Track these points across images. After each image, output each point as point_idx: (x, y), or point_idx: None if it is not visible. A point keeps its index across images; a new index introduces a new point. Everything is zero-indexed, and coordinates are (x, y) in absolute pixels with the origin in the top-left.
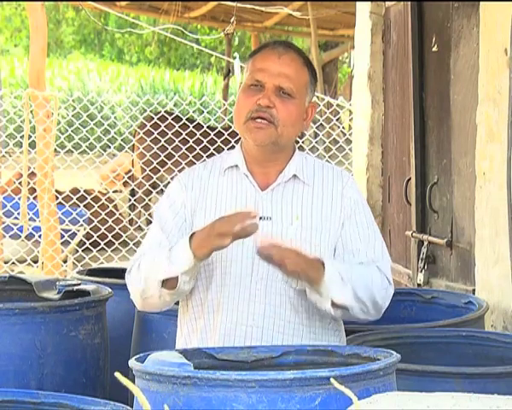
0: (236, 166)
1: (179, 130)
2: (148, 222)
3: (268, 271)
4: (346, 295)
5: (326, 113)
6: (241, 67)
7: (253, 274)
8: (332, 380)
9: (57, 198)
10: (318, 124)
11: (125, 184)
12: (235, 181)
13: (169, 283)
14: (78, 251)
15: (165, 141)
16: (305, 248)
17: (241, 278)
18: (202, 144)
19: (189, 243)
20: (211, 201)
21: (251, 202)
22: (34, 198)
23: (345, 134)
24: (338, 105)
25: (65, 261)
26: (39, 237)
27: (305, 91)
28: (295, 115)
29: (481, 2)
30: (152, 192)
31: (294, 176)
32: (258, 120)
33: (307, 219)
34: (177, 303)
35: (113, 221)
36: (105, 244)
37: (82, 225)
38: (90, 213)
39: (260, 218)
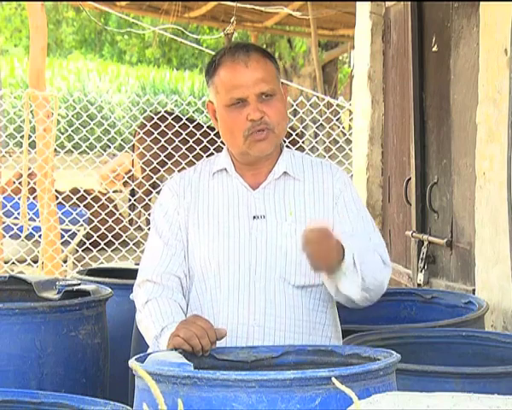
0: (225, 169)
1: (179, 130)
2: (148, 222)
3: (266, 269)
4: (354, 289)
5: (326, 113)
6: None
7: (251, 273)
8: (333, 379)
9: (57, 198)
10: (318, 124)
11: (125, 184)
12: (225, 183)
13: None
14: (78, 251)
15: (165, 141)
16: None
17: (239, 278)
18: (202, 144)
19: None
20: (203, 204)
21: (243, 202)
22: (34, 198)
23: (345, 134)
24: (338, 105)
25: (65, 261)
26: (39, 237)
27: (277, 81)
28: (282, 109)
29: (481, 2)
30: (152, 192)
31: (285, 173)
32: (259, 133)
33: (301, 214)
34: None
35: (113, 221)
36: (105, 244)
37: (82, 225)
38: (90, 213)
39: (254, 217)
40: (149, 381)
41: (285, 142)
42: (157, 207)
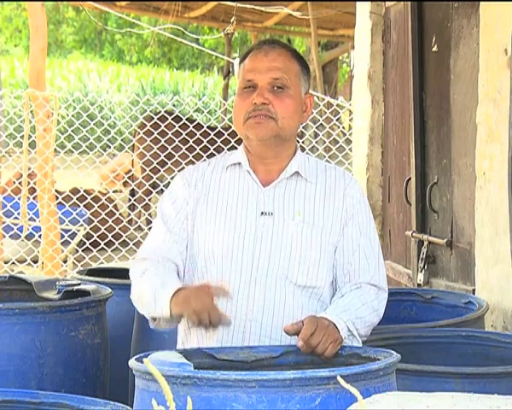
0: (239, 163)
1: (179, 130)
2: (148, 222)
3: (268, 266)
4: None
5: (326, 113)
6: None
7: (253, 269)
8: (339, 378)
9: (57, 198)
10: (318, 124)
11: (125, 184)
12: (237, 177)
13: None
14: (78, 251)
15: (165, 141)
16: (306, 244)
17: (240, 273)
18: (202, 144)
19: (172, 296)
20: (213, 195)
21: (253, 197)
22: (34, 198)
23: (345, 134)
24: (338, 105)
25: (65, 261)
26: (39, 237)
27: (298, 82)
28: (293, 107)
29: (481, 2)
30: (152, 192)
31: (297, 173)
32: (258, 117)
33: (309, 216)
34: None
35: (113, 221)
36: (105, 244)
37: (82, 225)
38: (90, 213)
39: (262, 213)
40: (159, 378)
41: None
42: (166, 195)
